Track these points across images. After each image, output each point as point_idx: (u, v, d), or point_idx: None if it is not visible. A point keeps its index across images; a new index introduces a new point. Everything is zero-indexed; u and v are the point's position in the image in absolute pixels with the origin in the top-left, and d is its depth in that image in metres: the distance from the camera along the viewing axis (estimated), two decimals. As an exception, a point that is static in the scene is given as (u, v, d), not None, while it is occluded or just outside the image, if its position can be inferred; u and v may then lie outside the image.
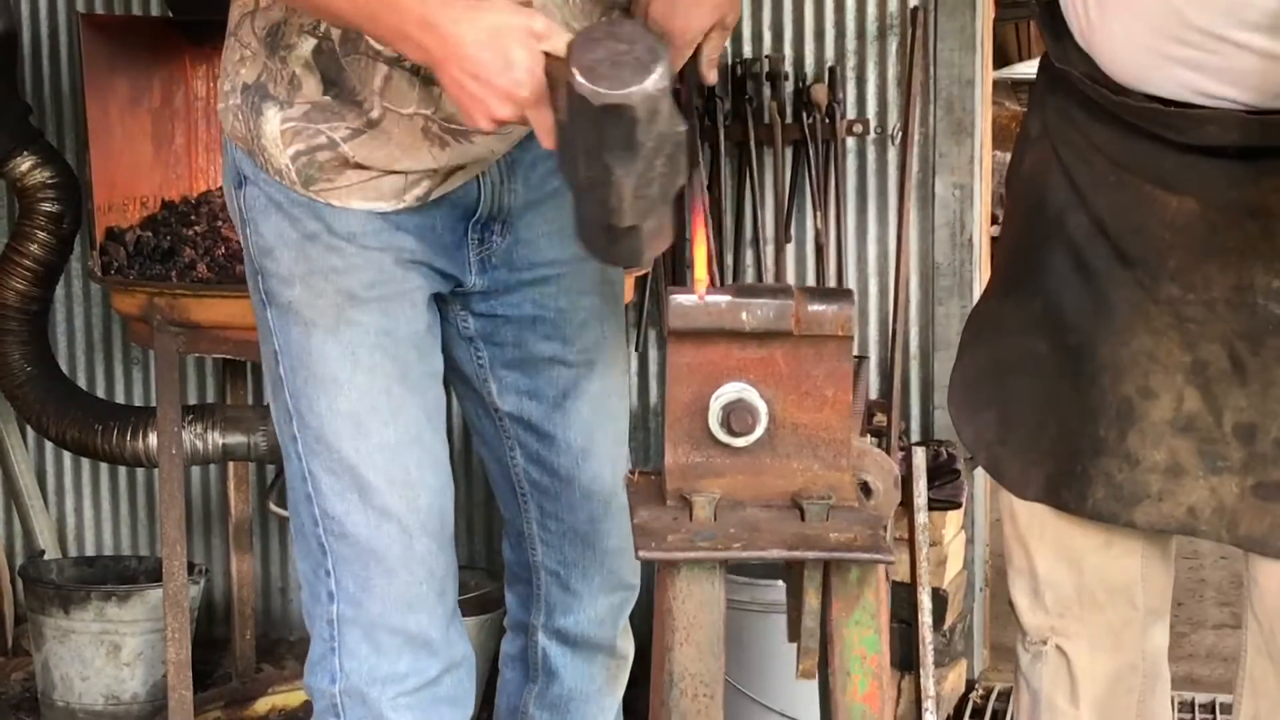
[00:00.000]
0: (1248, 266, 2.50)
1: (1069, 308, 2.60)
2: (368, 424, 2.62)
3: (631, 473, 2.46)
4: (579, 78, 2.15)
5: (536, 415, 2.82)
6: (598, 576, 2.90)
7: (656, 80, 2.17)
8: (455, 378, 2.86)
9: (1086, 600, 2.69)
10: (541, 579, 2.92)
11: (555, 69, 2.26)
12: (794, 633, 2.50)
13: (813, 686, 2.91)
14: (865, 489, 2.39)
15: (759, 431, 2.34)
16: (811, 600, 2.27)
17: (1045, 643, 2.73)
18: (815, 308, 2.35)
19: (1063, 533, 2.67)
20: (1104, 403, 2.58)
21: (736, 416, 2.31)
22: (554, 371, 2.80)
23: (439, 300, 2.77)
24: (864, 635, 2.29)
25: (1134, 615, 2.72)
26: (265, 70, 2.60)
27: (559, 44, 2.27)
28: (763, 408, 2.35)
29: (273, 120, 2.59)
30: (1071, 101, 2.58)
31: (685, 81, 2.59)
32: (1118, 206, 2.55)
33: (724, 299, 2.32)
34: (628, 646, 3.01)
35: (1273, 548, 2.56)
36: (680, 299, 2.30)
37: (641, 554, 2.17)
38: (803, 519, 2.28)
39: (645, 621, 5.11)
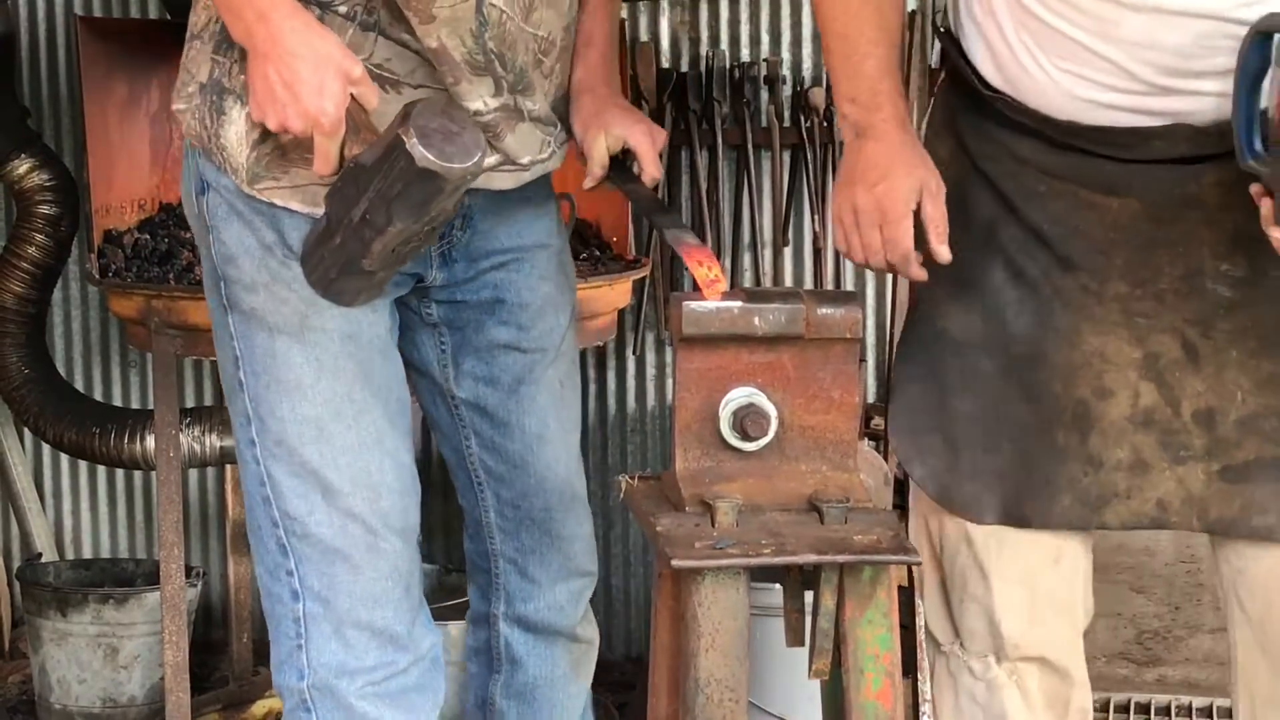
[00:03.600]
0: (1196, 253, 2.53)
1: (1011, 319, 2.61)
2: (331, 428, 2.69)
3: (631, 478, 2.49)
4: (414, 139, 2.37)
5: (492, 401, 2.89)
6: (555, 563, 2.97)
7: (474, 165, 2.42)
8: (414, 369, 2.92)
9: (1037, 624, 2.69)
10: (500, 567, 2.98)
11: (354, 113, 2.52)
12: (794, 637, 2.51)
13: (808, 689, 2.91)
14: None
15: (770, 435, 2.35)
16: (828, 601, 2.29)
17: (997, 665, 2.72)
18: (824, 311, 2.38)
19: (1019, 551, 2.66)
20: (1059, 409, 2.59)
21: (752, 421, 2.33)
22: (509, 358, 2.87)
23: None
24: (877, 634, 2.31)
25: (1075, 636, 2.73)
26: (215, 65, 2.66)
27: (367, 93, 2.52)
28: (773, 411, 2.37)
29: (237, 120, 2.64)
30: (989, 122, 2.61)
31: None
32: (1054, 214, 2.58)
33: (736, 304, 2.34)
34: (590, 632, 3.10)
35: (1245, 528, 2.58)
36: (693, 305, 2.32)
37: (675, 563, 2.19)
38: (822, 522, 2.30)
39: (643, 627, 5.09)
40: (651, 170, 2.75)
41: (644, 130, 2.77)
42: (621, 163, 2.78)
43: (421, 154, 2.37)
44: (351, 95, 2.51)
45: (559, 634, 3.01)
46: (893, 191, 2.53)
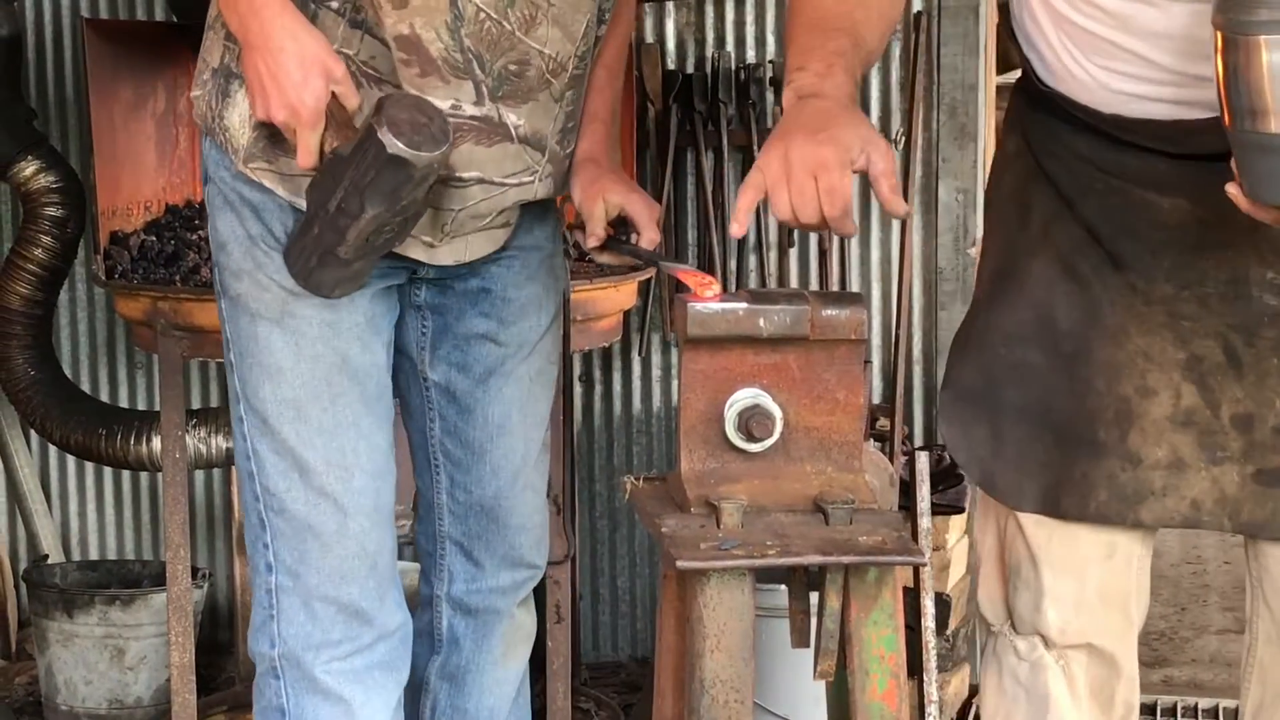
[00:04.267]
0: (1242, 260, 2.54)
1: (1061, 316, 2.63)
2: (308, 410, 2.79)
3: (637, 479, 2.50)
4: (385, 128, 2.51)
5: (461, 388, 2.97)
6: (500, 550, 3.04)
7: (440, 155, 2.56)
8: (395, 349, 2.97)
9: (1085, 613, 2.70)
10: (446, 549, 3.06)
11: (335, 111, 2.62)
12: (800, 639, 2.51)
13: (813, 690, 2.91)
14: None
15: (775, 436, 2.36)
16: (833, 602, 2.29)
17: (1047, 651, 2.74)
18: (829, 312, 2.38)
19: (1069, 543, 2.68)
20: (1102, 405, 2.60)
21: (757, 422, 2.33)
22: (484, 348, 2.95)
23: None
24: (882, 635, 2.32)
25: (1128, 628, 2.74)
26: (226, 50, 2.76)
27: (347, 92, 2.63)
28: (777, 412, 2.37)
29: (241, 104, 2.74)
30: (1054, 117, 2.62)
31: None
32: (1107, 211, 2.59)
33: (741, 306, 2.34)
34: (528, 619, 3.15)
35: (1276, 531, 2.60)
36: (698, 306, 2.32)
37: (680, 564, 2.19)
38: (827, 523, 2.30)
39: (649, 628, 5.09)
40: (650, 235, 2.80)
41: (641, 199, 2.84)
42: (621, 229, 2.86)
43: (392, 141, 2.51)
44: (333, 93, 2.62)
45: (498, 616, 3.08)
46: (836, 140, 2.37)
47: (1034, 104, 2.66)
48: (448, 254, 2.80)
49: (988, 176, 2.87)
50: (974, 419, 2.71)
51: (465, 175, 2.73)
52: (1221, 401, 2.58)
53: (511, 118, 2.73)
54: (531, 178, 2.80)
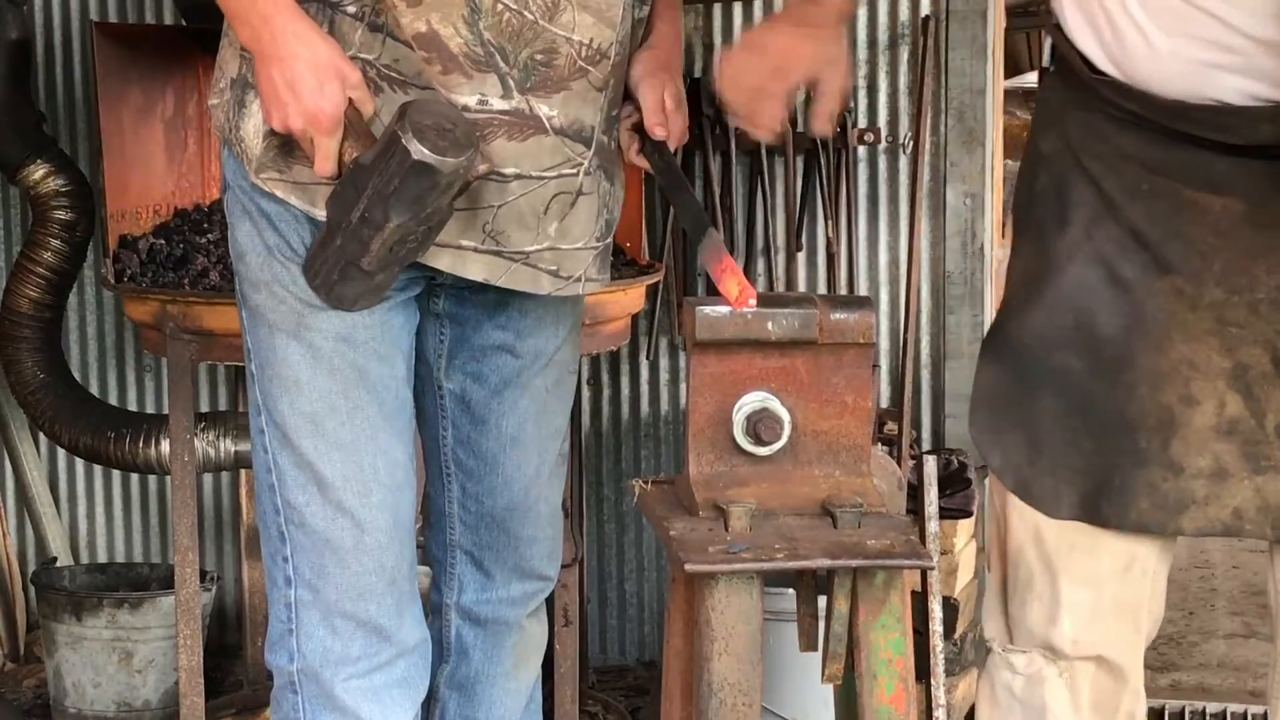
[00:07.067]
0: None
1: (1102, 321, 2.59)
2: (325, 423, 2.77)
3: (645, 482, 2.51)
4: (409, 134, 2.49)
5: (476, 398, 2.95)
6: (510, 561, 3.03)
7: (465, 161, 2.52)
8: (415, 356, 2.96)
9: (1098, 624, 2.70)
10: (456, 558, 3.05)
11: (353, 118, 2.60)
12: (808, 642, 2.51)
13: (821, 694, 2.91)
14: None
15: (783, 440, 2.36)
16: (841, 606, 2.29)
17: (1047, 664, 2.73)
18: (838, 316, 2.39)
19: (1090, 555, 2.66)
20: (1144, 413, 2.58)
21: (765, 426, 2.34)
22: (500, 359, 2.93)
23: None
24: (890, 639, 2.32)
25: (1137, 640, 2.73)
26: (243, 61, 2.73)
27: (363, 98, 2.62)
28: (786, 416, 2.37)
29: (256, 114, 2.72)
30: (1096, 115, 2.58)
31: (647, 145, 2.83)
32: (1155, 214, 2.55)
33: (749, 309, 2.34)
34: (538, 629, 3.14)
35: None
36: (706, 310, 2.33)
37: (688, 567, 2.20)
38: (835, 526, 2.30)
39: (656, 632, 5.08)
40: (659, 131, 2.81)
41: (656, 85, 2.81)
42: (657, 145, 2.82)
43: (417, 148, 2.48)
44: (350, 100, 2.60)
45: (507, 627, 3.07)
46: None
47: (1075, 101, 2.62)
48: (480, 268, 2.73)
49: (1017, 177, 2.81)
50: (1008, 425, 2.68)
51: (505, 171, 2.68)
52: (1267, 411, 2.56)
53: (544, 109, 2.68)
54: (574, 170, 2.73)
